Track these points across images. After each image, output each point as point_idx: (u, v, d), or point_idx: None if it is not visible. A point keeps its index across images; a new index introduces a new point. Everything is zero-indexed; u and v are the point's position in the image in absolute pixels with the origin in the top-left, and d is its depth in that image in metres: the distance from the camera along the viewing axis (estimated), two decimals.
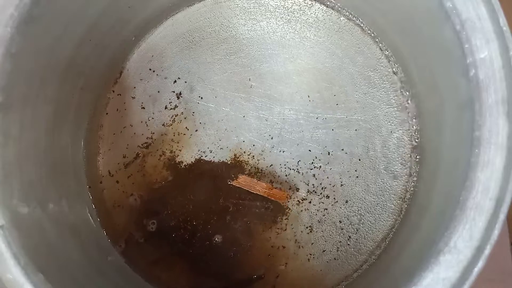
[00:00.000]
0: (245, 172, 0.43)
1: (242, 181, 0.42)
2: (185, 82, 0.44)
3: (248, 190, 0.42)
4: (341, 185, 0.42)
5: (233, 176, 0.42)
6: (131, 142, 0.44)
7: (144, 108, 0.44)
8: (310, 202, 0.42)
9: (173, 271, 0.42)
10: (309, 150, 0.42)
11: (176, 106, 0.44)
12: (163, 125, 0.44)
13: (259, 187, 0.42)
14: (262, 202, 0.42)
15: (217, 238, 0.42)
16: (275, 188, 0.42)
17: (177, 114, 0.44)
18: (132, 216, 0.43)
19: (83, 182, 0.43)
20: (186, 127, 0.44)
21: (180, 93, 0.44)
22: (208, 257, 0.42)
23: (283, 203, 0.42)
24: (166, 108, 0.44)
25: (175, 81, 0.44)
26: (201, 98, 0.44)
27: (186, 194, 0.43)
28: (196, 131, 0.44)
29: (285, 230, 0.42)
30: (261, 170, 0.43)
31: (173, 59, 0.45)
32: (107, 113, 0.45)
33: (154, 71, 0.45)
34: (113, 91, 0.45)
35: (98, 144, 0.44)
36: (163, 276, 0.42)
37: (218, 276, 0.42)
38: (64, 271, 0.33)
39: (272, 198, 0.41)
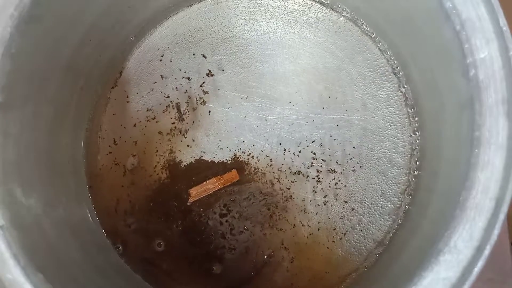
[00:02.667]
0: (245, 172, 0.43)
1: (195, 193, 0.42)
2: (185, 82, 0.44)
3: (206, 195, 0.42)
4: (341, 185, 0.42)
5: (186, 196, 0.42)
6: (130, 142, 0.44)
7: (144, 108, 0.44)
8: (309, 202, 0.42)
9: (175, 271, 0.42)
10: (309, 151, 0.42)
11: (176, 106, 0.44)
12: (162, 125, 0.44)
13: (211, 185, 0.42)
14: (255, 198, 0.42)
15: (217, 238, 0.42)
16: (223, 174, 0.42)
17: (177, 114, 0.44)
18: (132, 216, 0.43)
19: (83, 182, 0.43)
20: (186, 127, 0.44)
21: (180, 93, 0.44)
22: (209, 256, 0.42)
23: (238, 181, 0.42)
24: (165, 108, 0.44)
25: (174, 81, 0.44)
26: (201, 98, 0.44)
27: (185, 194, 0.43)
28: (196, 131, 0.44)
29: (286, 228, 0.42)
30: (261, 170, 0.43)
31: (173, 59, 0.45)
32: (107, 113, 0.45)
33: (153, 71, 0.45)
34: (113, 91, 0.45)
35: (98, 144, 0.44)
36: (164, 277, 0.42)
37: (222, 273, 0.42)
38: (64, 271, 0.33)
39: (229, 184, 0.42)
